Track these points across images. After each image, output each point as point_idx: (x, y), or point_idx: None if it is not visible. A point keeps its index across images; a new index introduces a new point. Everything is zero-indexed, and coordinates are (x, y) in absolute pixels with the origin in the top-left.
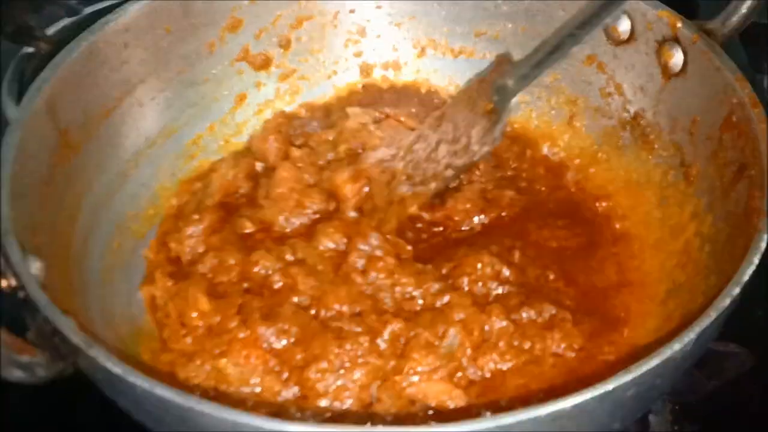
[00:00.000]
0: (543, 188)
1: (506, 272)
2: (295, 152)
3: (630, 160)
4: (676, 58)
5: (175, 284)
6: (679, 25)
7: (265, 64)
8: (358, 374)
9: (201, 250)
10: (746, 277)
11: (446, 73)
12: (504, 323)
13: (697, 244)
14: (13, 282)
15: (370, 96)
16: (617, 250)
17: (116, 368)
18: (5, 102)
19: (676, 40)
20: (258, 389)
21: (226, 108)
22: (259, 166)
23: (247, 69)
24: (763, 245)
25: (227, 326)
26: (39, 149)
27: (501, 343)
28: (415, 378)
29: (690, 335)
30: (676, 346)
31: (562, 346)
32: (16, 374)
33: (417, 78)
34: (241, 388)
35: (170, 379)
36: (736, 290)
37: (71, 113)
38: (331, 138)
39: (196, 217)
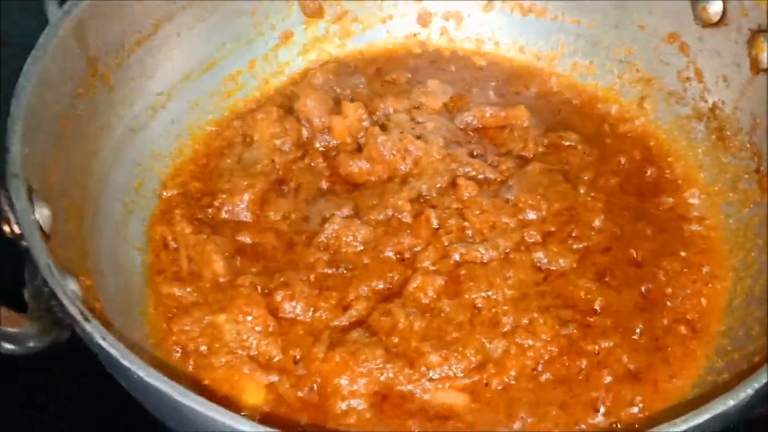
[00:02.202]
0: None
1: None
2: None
3: (701, 156)
4: None
5: (194, 233)
6: None
7: (318, 12)
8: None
9: (245, 217)
10: None
11: (511, 33)
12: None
13: (752, 265)
14: (17, 230)
15: (429, 61)
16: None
17: (112, 349)
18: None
19: None
20: (254, 352)
21: (270, 44)
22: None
23: (298, 5)
24: None
25: (235, 282)
26: (63, 78)
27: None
28: (429, 384)
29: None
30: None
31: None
32: (5, 347)
33: (479, 34)
34: (236, 350)
35: (166, 333)
36: None
37: (103, 39)
38: (401, 106)
39: (245, 183)
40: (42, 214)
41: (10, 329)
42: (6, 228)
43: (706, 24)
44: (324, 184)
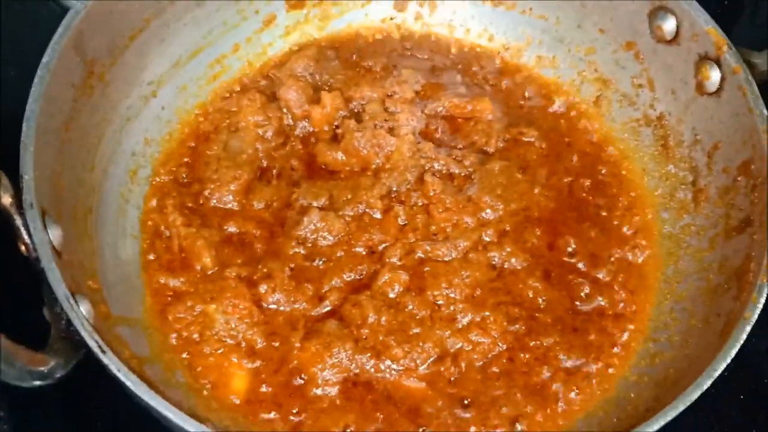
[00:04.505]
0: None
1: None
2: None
3: (647, 160)
4: (713, 80)
5: (186, 224)
6: (724, 48)
7: (300, 2)
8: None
9: (232, 206)
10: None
11: (482, 22)
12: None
13: (682, 272)
14: (34, 253)
15: (404, 46)
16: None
17: (127, 380)
18: None
19: (717, 62)
20: (240, 341)
21: (254, 27)
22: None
23: None
24: (744, 335)
25: (223, 273)
26: (66, 89)
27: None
28: (392, 374)
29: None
30: None
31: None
32: (36, 383)
33: (452, 21)
34: (225, 339)
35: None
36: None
37: (99, 42)
38: (375, 95)
39: (232, 174)
40: (54, 234)
41: (37, 368)
42: (22, 247)
43: (660, 40)
44: (303, 171)
